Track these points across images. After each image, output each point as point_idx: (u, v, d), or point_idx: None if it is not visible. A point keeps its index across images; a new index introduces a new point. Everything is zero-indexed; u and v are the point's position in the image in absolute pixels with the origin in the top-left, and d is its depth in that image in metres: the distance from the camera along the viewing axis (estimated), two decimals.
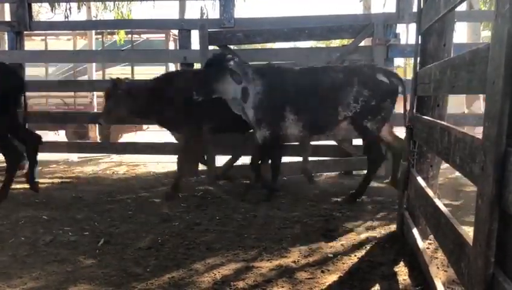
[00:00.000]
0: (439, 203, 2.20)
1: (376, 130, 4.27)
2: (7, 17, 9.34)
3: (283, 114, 4.23)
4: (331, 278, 2.66)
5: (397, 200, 3.43)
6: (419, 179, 2.80)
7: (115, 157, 7.35)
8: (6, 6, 9.59)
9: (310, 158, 5.55)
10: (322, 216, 3.93)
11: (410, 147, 3.09)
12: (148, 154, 6.36)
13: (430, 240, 3.10)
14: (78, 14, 11.11)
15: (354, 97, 4.18)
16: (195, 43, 5.75)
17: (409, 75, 4.26)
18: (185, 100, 4.45)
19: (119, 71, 9.92)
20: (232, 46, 5.40)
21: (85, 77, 10.63)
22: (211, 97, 4.17)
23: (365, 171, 5.50)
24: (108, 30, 10.99)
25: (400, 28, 9.36)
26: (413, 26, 4.05)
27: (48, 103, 10.11)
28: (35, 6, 12.97)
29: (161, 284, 2.59)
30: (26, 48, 6.72)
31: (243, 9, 39.43)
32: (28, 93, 6.22)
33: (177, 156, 4.85)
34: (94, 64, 10.51)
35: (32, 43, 10.77)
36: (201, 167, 5.72)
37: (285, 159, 5.53)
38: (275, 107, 4.23)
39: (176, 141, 5.48)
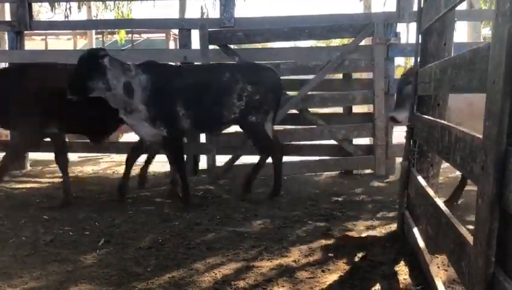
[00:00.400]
0: (440, 203, 2.20)
1: (261, 121, 4.32)
2: (7, 17, 9.34)
3: (175, 109, 4.16)
4: (332, 278, 2.66)
5: (397, 199, 3.43)
6: (420, 178, 2.79)
7: (115, 157, 7.34)
8: (7, 6, 9.59)
9: (310, 158, 5.56)
10: (322, 215, 3.93)
11: (410, 146, 3.09)
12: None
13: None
14: (79, 14, 11.12)
15: (239, 95, 4.22)
16: (195, 43, 5.75)
17: None
18: (45, 96, 4.11)
19: None
20: (232, 46, 5.40)
21: None
22: (87, 95, 3.96)
23: (366, 171, 5.55)
24: (109, 30, 10.99)
25: (400, 27, 9.36)
26: (413, 26, 4.05)
27: None
28: (35, 6, 12.97)
29: (161, 284, 2.59)
30: (26, 48, 6.71)
31: (243, 9, 39.37)
32: None
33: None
34: None
35: (33, 43, 10.78)
36: (201, 166, 5.72)
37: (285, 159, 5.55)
38: (167, 102, 4.13)
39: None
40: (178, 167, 4.32)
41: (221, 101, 4.24)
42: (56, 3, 9.18)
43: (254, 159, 5.67)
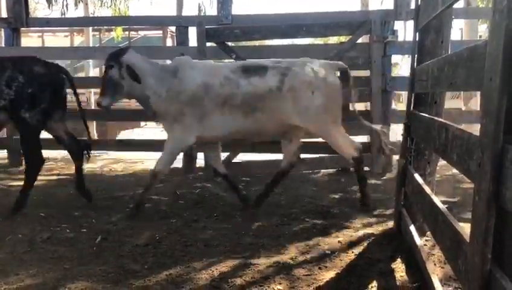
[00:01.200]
0: (437, 200, 2.20)
1: (36, 123, 3.90)
2: (4, 14, 9.30)
3: None
4: (329, 275, 2.66)
5: (394, 197, 3.43)
6: (417, 176, 2.80)
7: (113, 155, 7.34)
8: (3, 2, 9.55)
9: (307, 155, 5.56)
10: (319, 213, 3.93)
11: (407, 144, 3.09)
12: (145, 151, 6.35)
13: (428, 237, 3.11)
14: (75, 11, 11.09)
15: (7, 82, 3.82)
16: (193, 40, 5.75)
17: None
18: None
19: None
20: (229, 43, 5.40)
21: (82, 74, 10.60)
22: None
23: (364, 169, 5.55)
24: (106, 27, 10.95)
25: (398, 25, 9.35)
26: (411, 23, 4.06)
27: None
28: (32, 3, 12.89)
29: (159, 281, 2.59)
30: (22, 45, 6.68)
31: (241, 6, 39.36)
32: None
33: None
34: (91, 61, 10.47)
35: (29, 40, 10.73)
36: (198, 164, 5.72)
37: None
38: None
39: None
40: None
41: None
42: (53, 0, 9.15)
43: (253, 156, 5.69)
